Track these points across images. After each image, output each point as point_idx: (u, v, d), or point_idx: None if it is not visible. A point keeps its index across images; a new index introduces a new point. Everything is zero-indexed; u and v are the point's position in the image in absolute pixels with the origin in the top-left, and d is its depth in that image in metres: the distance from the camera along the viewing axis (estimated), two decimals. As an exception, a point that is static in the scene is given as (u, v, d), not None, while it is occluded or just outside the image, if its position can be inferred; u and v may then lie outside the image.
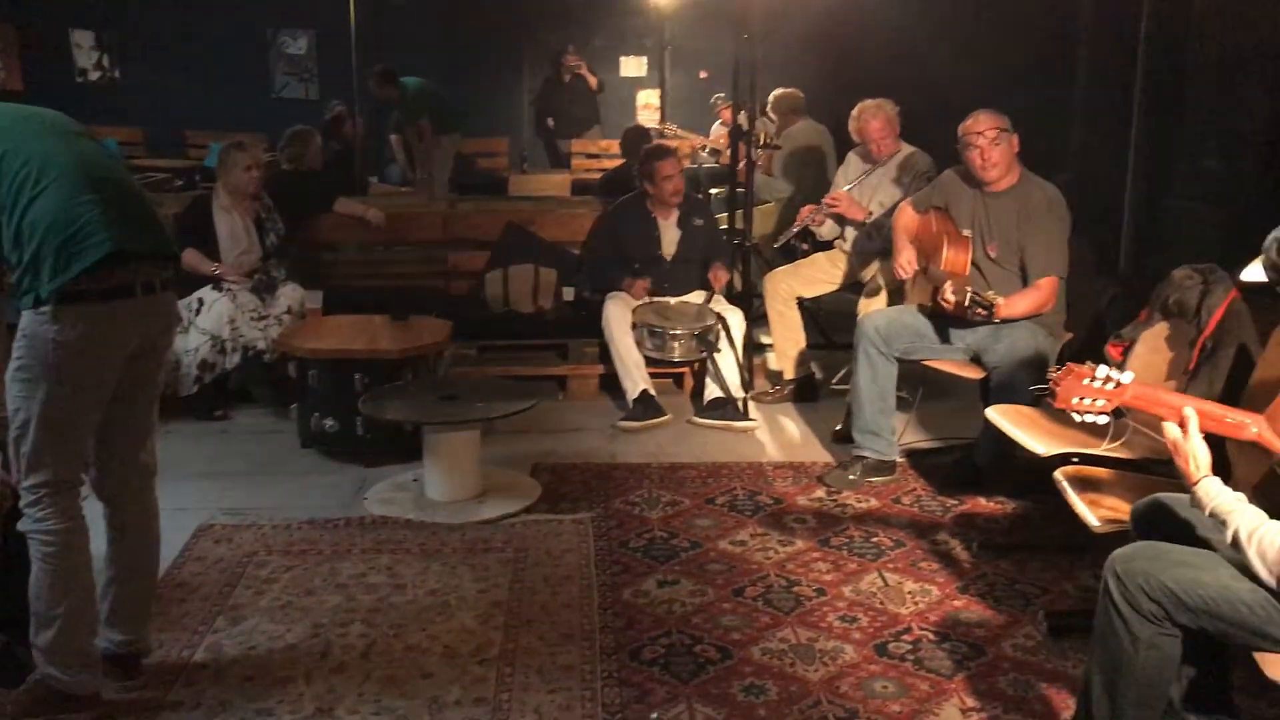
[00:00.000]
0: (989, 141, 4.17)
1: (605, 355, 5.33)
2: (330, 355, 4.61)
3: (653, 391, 5.14)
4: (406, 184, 9.48)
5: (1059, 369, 2.51)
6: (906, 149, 5.39)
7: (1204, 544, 2.45)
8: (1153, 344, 3.70)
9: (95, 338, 2.67)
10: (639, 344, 5.15)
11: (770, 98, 7.36)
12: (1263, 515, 2.21)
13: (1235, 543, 2.22)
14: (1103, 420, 2.51)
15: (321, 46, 11.09)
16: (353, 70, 8.42)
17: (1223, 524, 2.26)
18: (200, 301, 5.03)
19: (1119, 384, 2.46)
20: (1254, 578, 2.19)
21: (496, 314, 5.76)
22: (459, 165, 9.83)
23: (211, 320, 4.97)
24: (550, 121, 10.27)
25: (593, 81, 10.33)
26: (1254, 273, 2.37)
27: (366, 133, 9.19)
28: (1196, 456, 2.35)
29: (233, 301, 5.03)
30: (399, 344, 4.68)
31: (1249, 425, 2.45)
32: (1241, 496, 2.27)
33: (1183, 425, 2.38)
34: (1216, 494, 2.29)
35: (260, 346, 5.06)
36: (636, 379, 5.12)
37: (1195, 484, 2.34)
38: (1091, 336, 4.48)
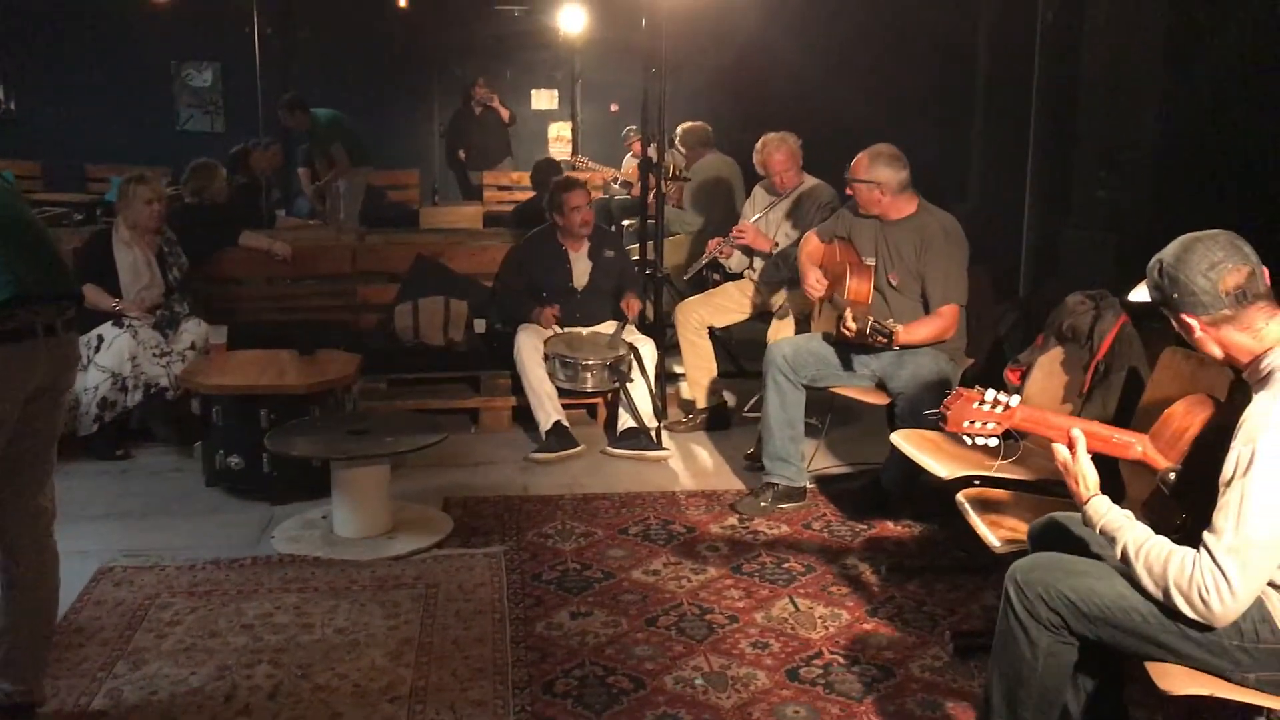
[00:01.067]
0: (854, 186, 4.38)
1: (518, 387, 5.33)
2: (235, 391, 4.54)
3: (566, 423, 5.14)
4: (315, 217, 9.39)
5: (951, 394, 2.60)
6: (810, 181, 5.51)
7: (1098, 559, 2.53)
8: (1049, 368, 3.83)
9: (-7, 379, 2.60)
10: (551, 375, 5.15)
11: (678, 131, 7.45)
12: (1149, 532, 2.30)
13: (1124, 558, 2.31)
14: (993, 442, 2.60)
15: (227, 79, 10.95)
16: (259, 102, 8.32)
17: (1112, 540, 2.35)
18: (100, 338, 4.91)
19: (1007, 407, 2.55)
20: (1143, 591, 2.28)
21: (406, 347, 5.72)
22: (370, 198, 9.76)
23: (112, 357, 4.86)
24: (462, 154, 10.27)
25: (505, 114, 10.36)
26: (1140, 294, 2.47)
27: (281, 161, 9.08)
28: (1085, 476, 2.45)
29: (134, 338, 4.92)
30: (306, 378, 4.62)
31: (1134, 445, 2.55)
32: (1129, 514, 2.36)
33: (1071, 446, 2.47)
34: (1105, 511, 2.38)
35: (163, 383, 4.96)
36: (549, 410, 5.12)
37: (1085, 503, 2.43)
38: (991, 361, 4.61)
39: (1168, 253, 2.35)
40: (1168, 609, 2.27)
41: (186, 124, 11.10)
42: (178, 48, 10.91)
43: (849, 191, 4.43)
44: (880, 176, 4.32)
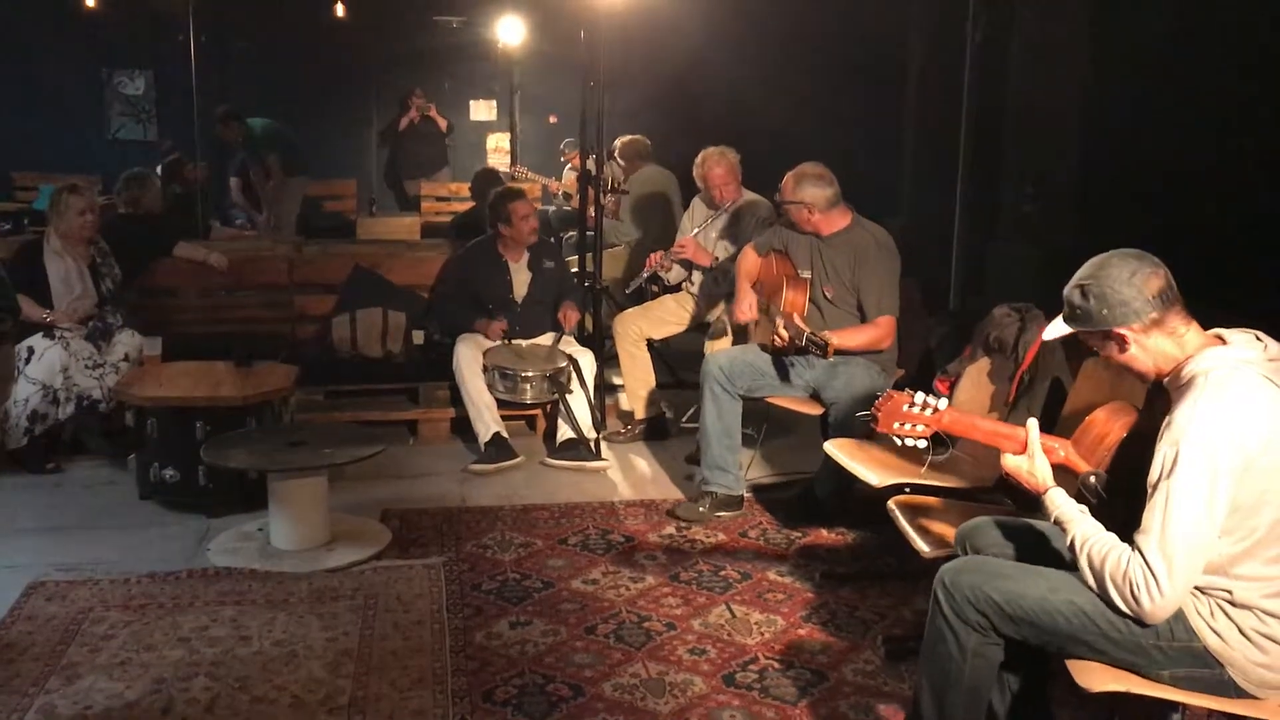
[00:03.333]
0: (785, 207, 4.51)
1: (456, 398, 5.33)
2: (171, 403, 4.49)
3: (505, 434, 5.16)
4: (251, 227, 9.31)
5: (882, 396, 2.67)
6: (748, 195, 5.58)
7: (1023, 560, 2.63)
8: (976, 378, 3.94)
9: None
10: (490, 386, 5.17)
11: (616, 143, 7.51)
12: (1098, 527, 2.39)
13: (1071, 548, 2.40)
14: (922, 444, 2.68)
15: (160, 87, 10.79)
16: (194, 112, 8.22)
17: (1064, 531, 2.44)
18: (30, 350, 4.83)
19: (936, 409, 2.63)
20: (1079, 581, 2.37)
21: (344, 358, 5.70)
22: (306, 208, 9.70)
23: (43, 369, 4.79)
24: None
25: (442, 123, 10.35)
26: (1056, 329, 2.54)
27: (208, 175, 8.98)
28: (1039, 470, 2.53)
29: (65, 349, 4.84)
30: (243, 390, 4.59)
31: (1057, 449, 2.65)
32: (1084, 508, 2.45)
33: (1024, 444, 2.56)
34: (1061, 503, 2.48)
35: (95, 395, 4.89)
36: (488, 421, 5.13)
37: (1044, 493, 2.51)
38: (922, 372, 4.72)
39: (1083, 275, 2.45)
40: (1086, 610, 2.36)
41: (118, 132, 10.92)
42: (110, 55, 10.73)
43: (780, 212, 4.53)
44: (807, 196, 4.41)
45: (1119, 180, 5.54)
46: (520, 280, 5.52)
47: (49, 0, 9.57)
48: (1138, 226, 4.98)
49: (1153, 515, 2.25)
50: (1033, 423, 2.60)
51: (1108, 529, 2.38)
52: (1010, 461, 2.59)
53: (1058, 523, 2.47)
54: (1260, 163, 4.60)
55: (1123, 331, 2.40)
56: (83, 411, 4.91)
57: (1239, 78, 4.72)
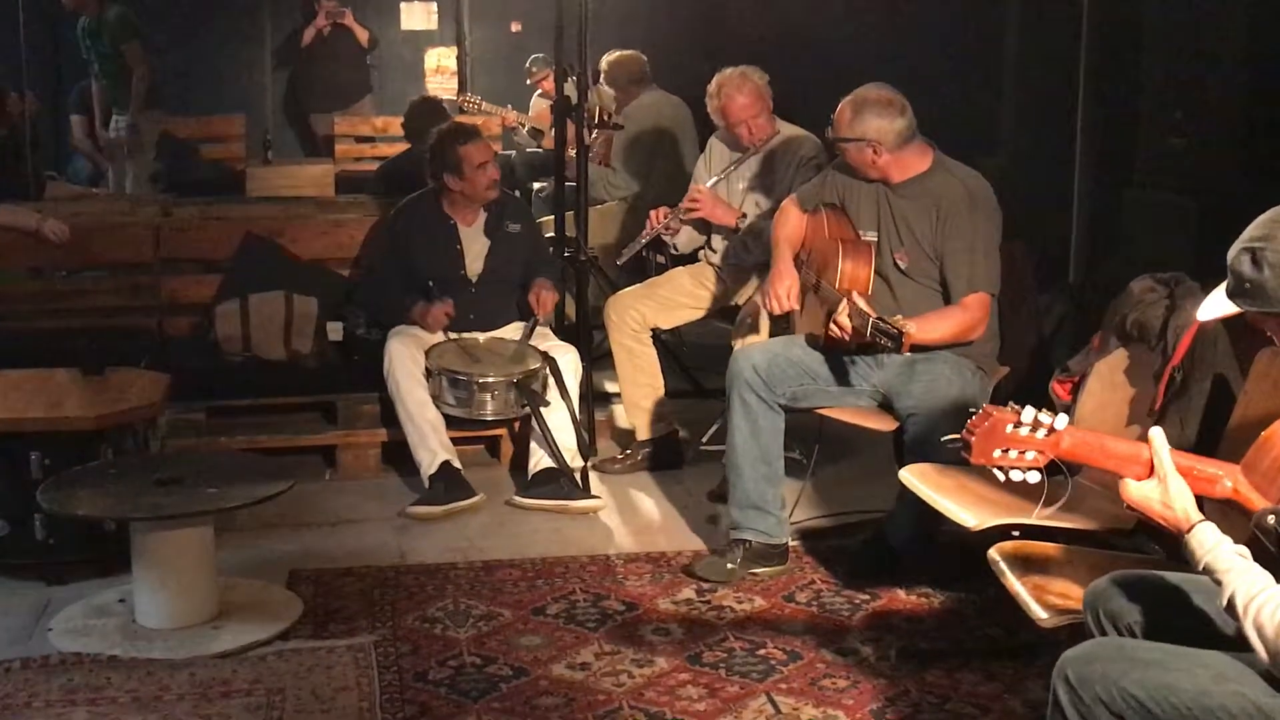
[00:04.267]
0: (840, 148, 4.52)
1: (389, 415, 5.35)
2: (-6, 428, 4.51)
3: (457, 463, 5.18)
4: (98, 182, 9.32)
5: (977, 414, 2.67)
6: (787, 130, 5.60)
7: (1180, 633, 2.63)
8: (1109, 378, 3.95)
9: None
10: (436, 397, 5.19)
11: (605, 63, 7.53)
12: (1269, 579, 2.38)
13: (1230, 608, 2.40)
14: (1035, 477, 2.68)
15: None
16: (19, 27, 8.20)
17: (1218, 584, 2.43)
18: None
19: (1052, 430, 2.63)
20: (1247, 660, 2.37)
21: (234, 362, 5.71)
22: (176, 153, 9.71)
23: None
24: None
25: (361, 35, 10.34)
26: (1216, 306, 2.55)
27: (37, 109, 8.97)
28: (1177, 499, 2.53)
29: None
30: (93, 409, 4.59)
31: (1223, 478, 2.65)
32: (1245, 551, 2.45)
33: (1151, 467, 2.56)
34: (1213, 544, 2.46)
35: (-111, 419, 4.90)
36: (434, 447, 5.15)
37: (1187, 532, 2.51)
38: (1035, 369, 4.72)
39: (1254, 235, 2.46)
40: (1264, 704, 2.36)
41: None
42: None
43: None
44: (871, 131, 4.42)
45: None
46: (474, 250, 5.54)
47: None
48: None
49: None
50: (1157, 433, 2.60)
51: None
52: (1134, 490, 2.59)
53: (1207, 571, 2.46)
54: None
55: None
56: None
57: None
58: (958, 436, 2.73)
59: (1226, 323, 3.70)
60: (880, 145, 4.43)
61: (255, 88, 11.34)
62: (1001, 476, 2.71)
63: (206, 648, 4.00)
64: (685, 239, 5.81)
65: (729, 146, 5.69)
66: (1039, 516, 3.36)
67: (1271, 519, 2.61)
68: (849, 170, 4.63)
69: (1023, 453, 2.66)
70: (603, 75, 7.51)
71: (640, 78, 7.53)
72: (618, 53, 7.62)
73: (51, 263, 6.01)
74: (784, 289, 4.68)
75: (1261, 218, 2.47)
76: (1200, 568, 2.49)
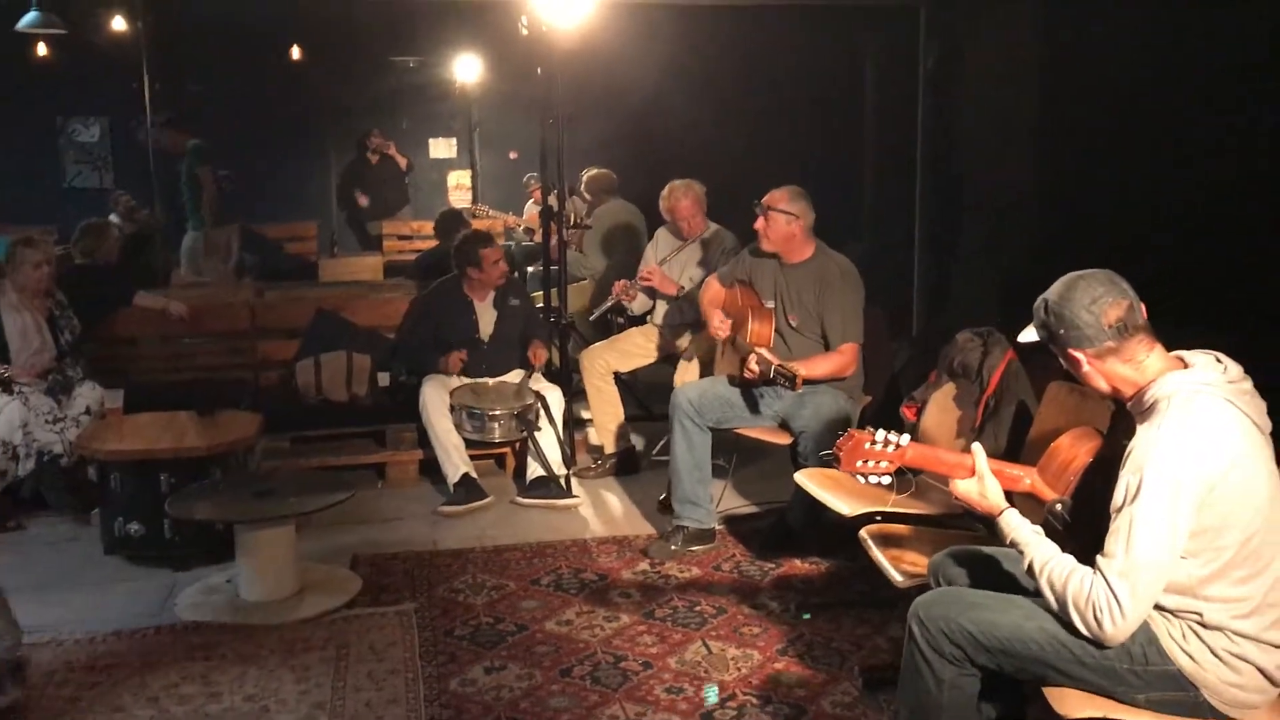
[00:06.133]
0: (771, 215, 4.45)
1: (424, 440, 5.30)
2: (134, 456, 4.43)
3: (474, 474, 5.13)
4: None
5: (843, 435, 2.68)
6: (713, 226, 5.62)
7: (997, 586, 2.64)
8: (942, 404, 3.96)
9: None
10: (458, 426, 5.14)
11: (583, 177, 7.54)
12: (1055, 549, 2.40)
13: (1030, 571, 2.41)
14: (886, 480, 2.69)
15: (115, 134, 10.71)
16: (149, 159, 8.15)
17: (1021, 554, 2.44)
18: (-12, 406, 4.77)
19: (898, 446, 2.64)
20: (1044, 605, 2.38)
21: (309, 404, 5.65)
22: (266, 249, 9.64)
23: (2, 425, 4.71)
24: (360, 197, 10.14)
25: (402, 162, 10.34)
26: (1028, 335, 2.58)
27: (164, 219, 8.88)
28: (990, 493, 2.55)
29: (25, 404, 4.77)
30: (206, 440, 4.53)
31: (1023, 477, 2.67)
32: (1039, 529, 2.46)
33: (972, 469, 2.57)
34: (1017, 525, 2.48)
35: (56, 450, 4.82)
36: (457, 462, 5.10)
37: (998, 516, 2.52)
38: (889, 398, 4.75)
39: (1052, 292, 2.47)
40: (1060, 637, 2.37)
41: (74, 180, 10.83)
42: (63, 103, 10.65)
43: (759, 224, 4.48)
44: (798, 210, 4.45)
45: (1074, 205, 5.62)
46: (486, 319, 5.51)
47: (1, 48, 9.49)
48: (1092, 251, 5.03)
49: (1116, 540, 2.27)
50: (977, 447, 2.61)
51: (1076, 555, 2.39)
52: (961, 487, 2.61)
53: (1014, 545, 2.48)
54: (1213, 190, 4.67)
55: (1076, 354, 2.43)
56: (43, 467, 4.84)
57: (1192, 104, 4.81)
58: (831, 452, 2.73)
59: (1024, 360, 3.75)
60: (800, 223, 4.44)
61: (324, 202, 11.29)
62: (862, 480, 2.72)
63: (291, 614, 3.95)
64: (638, 304, 5.81)
65: (673, 235, 5.71)
66: (893, 505, 3.37)
67: (1059, 507, 2.63)
68: (755, 254, 4.65)
69: (877, 463, 2.68)
70: (581, 186, 7.52)
71: (610, 188, 7.52)
72: (595, 170, 7.62)
73: (175, 333, 5.93)
74: (717, 322, 4.69)
75: (1062, 278, 2.47)
76: (1008, 542, 2.50)
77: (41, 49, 9.62)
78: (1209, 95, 4.70)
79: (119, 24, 8.59)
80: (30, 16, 7.93)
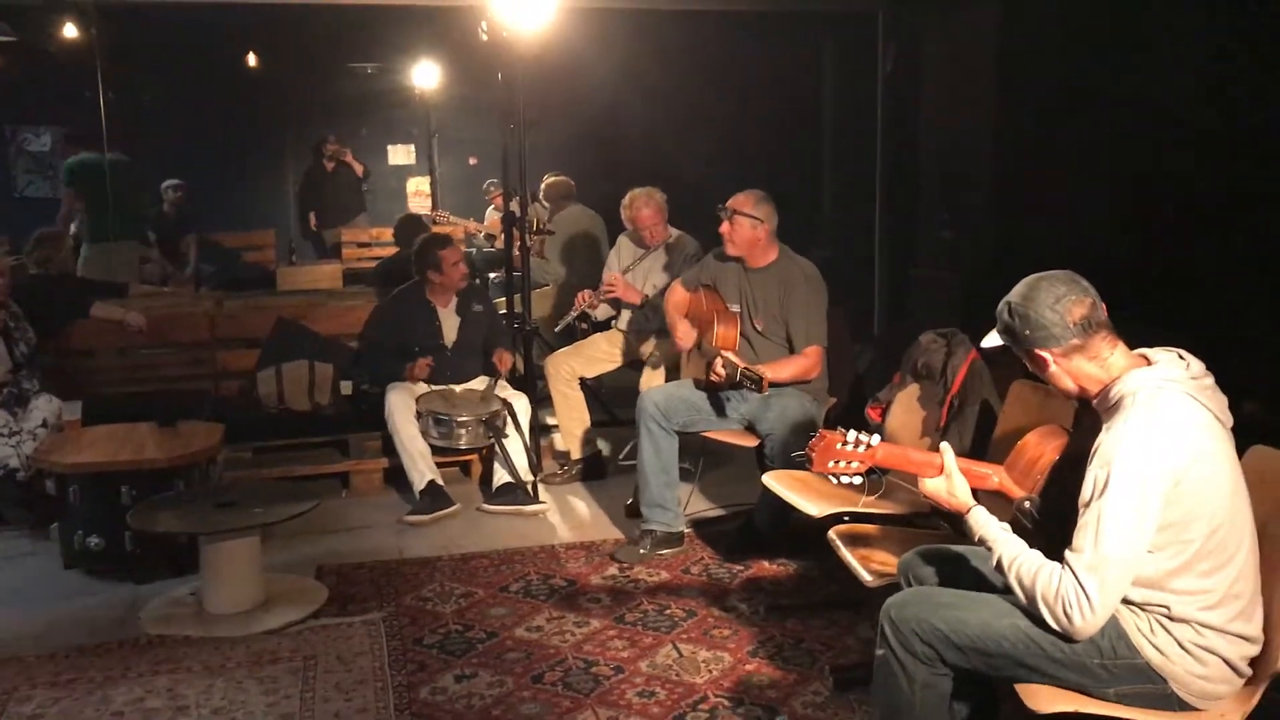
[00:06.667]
0: (736, 220, 4.45)
1: (389, 448, 5.26)
2: (94, 468, 4.36)
3: (440, 481, 5.09)
4: (165, 282, 9.11)
5: (815, 436, 2.69)
6: (675, 233, 5.63)
7: (966, 584, 2.66)
8: (907, 404, 3.99)
9: None
10: (424, 433, 5.11)
11: (542, 184, 7.52)
12: (1022, 545, 2.43)
13: (999, 568, 2.43)
14: (858, 480, 2.70)
15: (69, 144, 10.53)
16: (105, 168, 8.01)
17: (989, 550, 2.47)
18: (-59, 420, 4.67)
19: (869, 446, 2.66)
20: (1014, 602, 2.40)
21: (271, 413, 5.59)
22: (223, 258, 9.55)
23: (-45, 440, 4.63)
24: (313, 217, 10.09)
25: (358, 168, 10.25)
26: (991, 340, 2.60)
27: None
28: (958, 491, 2.57)
29: (-21, 418, 4.69)
30: (168, 451, 4.46)
31: (991, 476, 2.69)
32: (1006, 526, 2.49)
33: (940, 467, 2.59)
34: (984, 523, 2.51)
35: (12, 464, 4.73)
36: (423, 469, 5.07)
37: (966, 513, 2.54)
38: (853, 399, 4.77)
39: (1014, 294, 2.50)
40: (1030, 633, 2.40)
41: (25, 190, 10.65)
42: (13, 112, 10.48)
43: (724, 228, 4.47)
44: (763, 214, 4.46)
45: (1031, 205, 5.69)
46: (450, 325, 5.48)
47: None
48: (1050, 251, 5.10)
49: (1084, 535, 2.29)
50: (946, 446, 2.64)
51: (1045, 551, 2.41)
52: (929, 485, 2.63)
53: (981, 542, 2.50)
54: (1170, 189, 4.75)
55: (1043, 354, 2.46)
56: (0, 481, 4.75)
57: (1149, 102, 4.89)
58: (803, 453, 2.74)
59: (988, 360, 3.78)
60: (765, 227, 4.46)
61: (281, 211, 11.18)
62: (834, 480, 2.73)
63: (258, 626, 3.90)
64: (602, 311, 5.81)
65: (635, 244, 5.70)
66: (863, 505, 3.38)
67: (1027, 504, 2.66)
68: (719, 259, 4.66)
69: (849, 463, 2.68)
70: (541, 193, 7.51)
71: (568, 194, 7.53)
72: (553, 176, 7.61)
73: (133, 344, 5.83)
74: (681, 332, 4.70)
75: (1023, 280, 2.49)
76: (976, 539, 2.52)
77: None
78: (1167, 93, 4.77)
79: (70, 31, 8.45)
80: (-22, 24, 7.82)
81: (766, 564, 4.40)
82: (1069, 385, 2.48)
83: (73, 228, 7.98)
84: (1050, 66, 5.55)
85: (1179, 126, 4.70)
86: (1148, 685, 2.38)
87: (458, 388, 5.37)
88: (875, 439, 2.68)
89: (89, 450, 4.51)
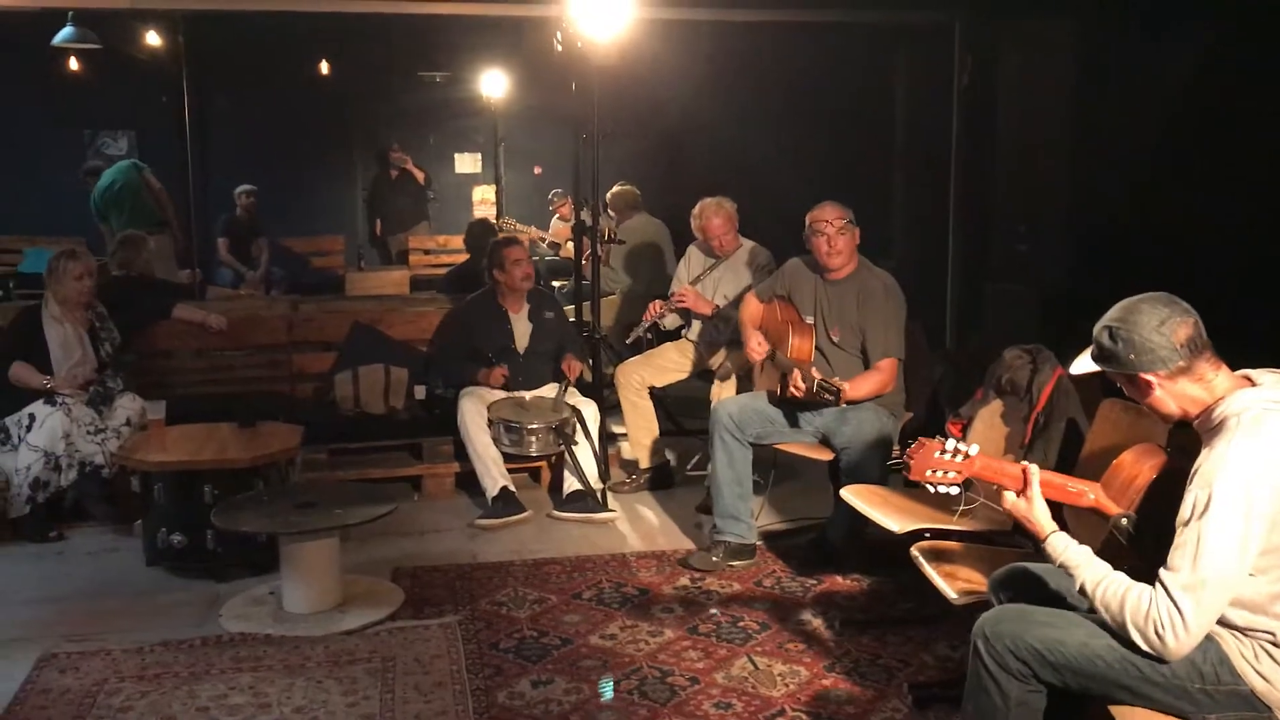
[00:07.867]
0: (835, 230, 4.42)
1: (460, 453, 5.30)
2: (177, 467, 4.45)
3: (512, 488, 5.12)
4: (237, 285, 9.27)
5: (912, 444, 2.67)
6: (747, 244, 5.61)
7: (1057, 604, 2.63)
8: (989, 420, 3.95)
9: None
10: (496, 440, 5.14)
11: (608, 195, 7.56)
12: (1107, 568, 2.40)
13: (1082, 592, 2.41)
14: (954, 491, 2.68)
15: (144, 147, 10.77)
16: (189, 171, 8.17)
17: (1070, 575, 2.44)
18: (31, 417, 4.78)
19: (967, 455, 2.63)
20: (1103, 624, 2.37)
21: (347, 416, 5.66)
22: (293, 263, 9.70)
23: (44, 436, 4.74)
24: (377, 224, 10.24)
25: (420, 175, 10.35)
26: (1083, 364, 2.55)
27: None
28: (1038, 514, 2.54)
29: (67, 415, 4.79)
30: (249, 452, 4.54)
31: (1087, 492, 2.66)
32: (1088, 549, 2.46)
33: (1025, 486, 2.57)
34: (1064, 547, 2.48)
35: (98, 461, 4.84)
36: (495, 476, 5.10)
37: (1044, 539, 2.52)
38: (930, 414, 4.73)
39: (1113, 318, 2.45)
40: (1128, 655, 2.36)
41: (104, 192, 10.87)
42: (92, 116, 10.73)
43: (819, 237, 4.43)
44: (854, 225, 4.46)
45: (1109, 219, 5.60)
46: (521, 331, 5.52)
47: (30, 61, 9.55)
48: (1130, 266, 5.03)
49: (1182, 555, 2.26)
50: (1033, 467, 2.60)
51: (1141, 571, 2.38)
52: (1011, 501, 2.61)
53: (1063, 567, 2.47)
54: (1256, 204, 4.66)
55: (1148, 377, 2.42)
56: (85, 478, 4.86)
57: (1233, 115, 4.80)
58: (900, 460, 2.72)
59: (1075, 381, 3.73)
60: (856, 237, 4.46)
61: (350, 216, 11.34)
62: (931, 489, 2.71)
63: (336, 626, 3.95)
64: (670, 320, 5.82)
65: (705, 254, 5.69)
66: (959, 517, 3.35)
67: (1124, 521, 2.62)
68: (795, 270, 4.65)
69: (946, 472, 2.66)
70: (607, 203, 7.55)
71: (634, 204, 7.56)
72: (619, 186, 7.65)
73: (212, 346, 5.94)
74: (755, 343, 4.69)
75: (1119, 304, 2.46)
76: (1057, 564, 2.50)
77: (73, 63, 9.70)
78: (1251, 107, 4.68)
79: (153, 39, 8.66)
80: (65, 32, 8.01)
81: (839, 579, 4.38)
82: (1171, 408, 2.44)
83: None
84: (1131, 75, 5.47)
85: (1272, 134, 4.60)
86: (1250, 713, 2.33)
87: (528, 394, 5.40)
88: (974, 449, 2.65)
89: (173, 449, 4.60)
